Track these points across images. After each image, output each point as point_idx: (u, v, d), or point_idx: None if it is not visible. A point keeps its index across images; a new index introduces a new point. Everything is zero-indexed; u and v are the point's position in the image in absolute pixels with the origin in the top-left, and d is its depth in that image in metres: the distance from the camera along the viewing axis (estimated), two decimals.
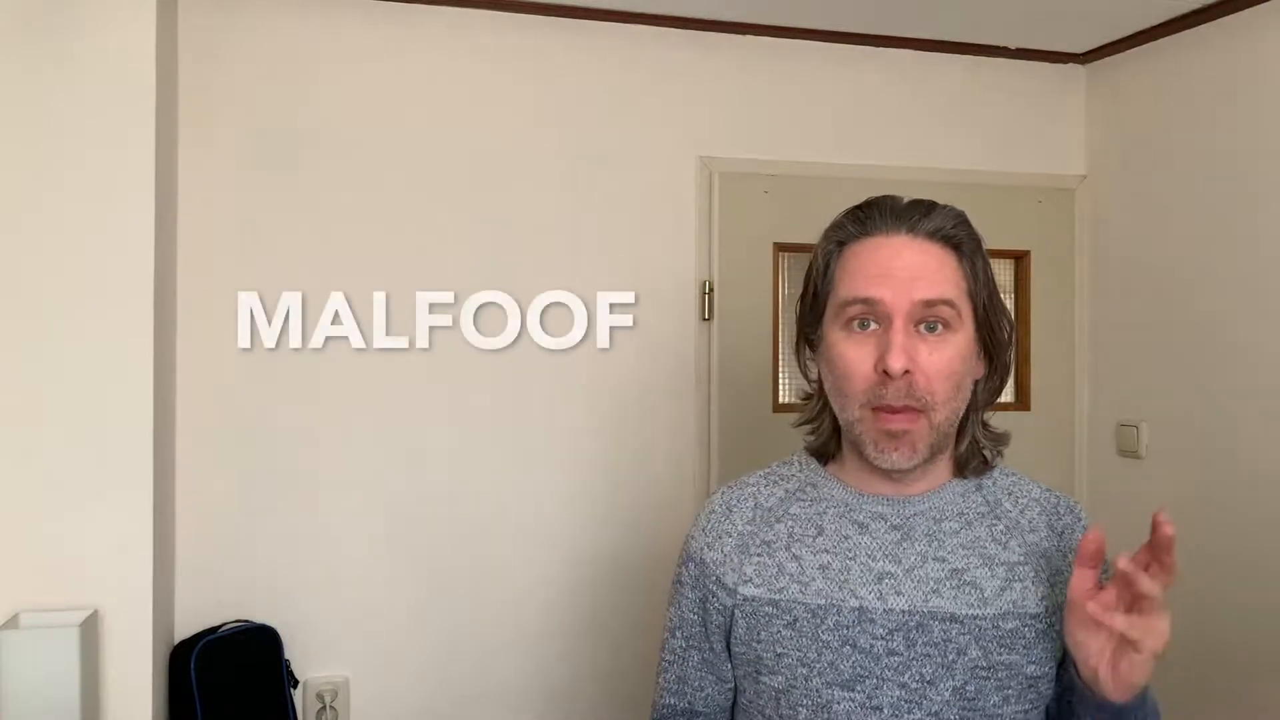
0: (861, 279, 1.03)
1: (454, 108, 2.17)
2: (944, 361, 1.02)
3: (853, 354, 1.03)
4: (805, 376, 1.16)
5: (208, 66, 2.03)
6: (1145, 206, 2.37)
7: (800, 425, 1.17)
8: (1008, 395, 2.49)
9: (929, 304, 1.01)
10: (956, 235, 1.05)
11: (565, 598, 2.24)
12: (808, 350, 1.14)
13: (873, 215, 1.06)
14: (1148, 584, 0.93)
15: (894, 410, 1.01)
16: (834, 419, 1.11)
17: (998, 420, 1.15)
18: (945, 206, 1.06)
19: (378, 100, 2.13)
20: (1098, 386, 2.51)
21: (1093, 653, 0.96)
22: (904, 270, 1.02)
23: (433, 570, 2.16)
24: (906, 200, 1.07)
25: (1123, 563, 0.93)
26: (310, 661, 2.09)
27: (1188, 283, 2.24)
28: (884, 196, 1.08)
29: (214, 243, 2.04)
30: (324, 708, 2.08)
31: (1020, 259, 2.53)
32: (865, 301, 1.02)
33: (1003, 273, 2.53)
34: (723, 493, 1.18)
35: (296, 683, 2.06)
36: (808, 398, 1.17)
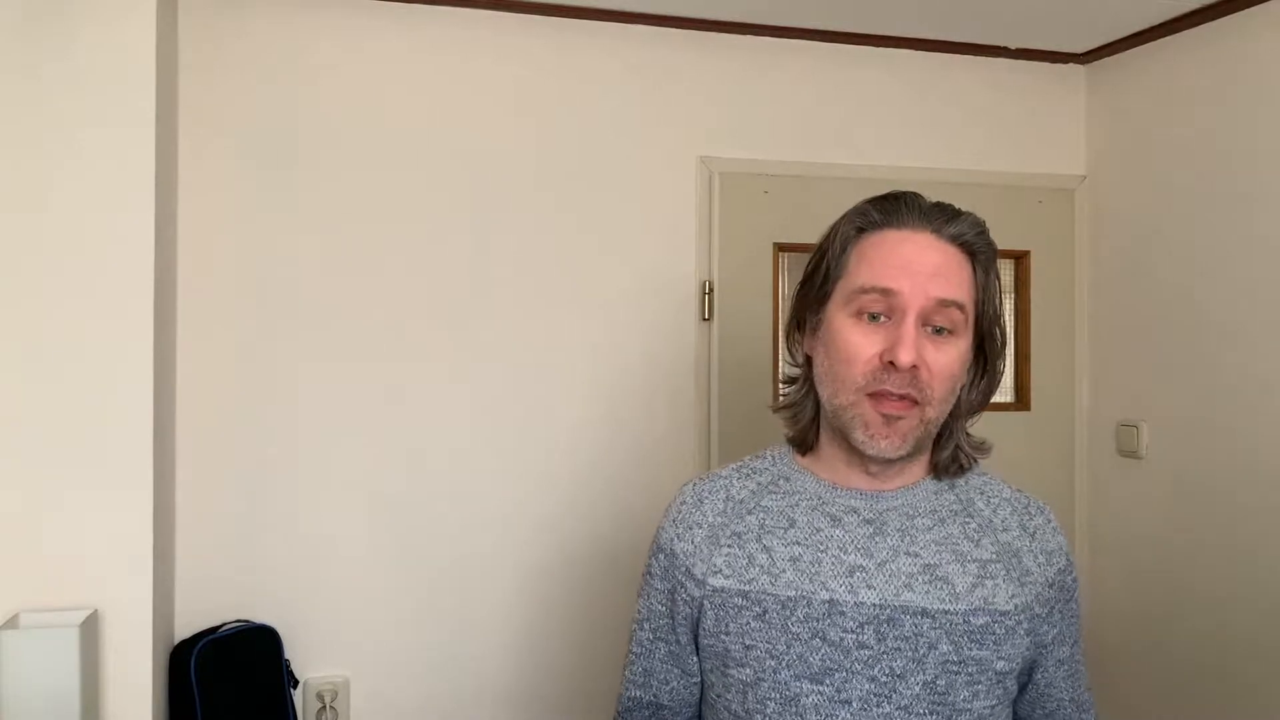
0: (882, 268, 1.03)
1: (454, 107, 2.17)
2: (947, 362, 1.03)
3: (859, 340, 1.03)
4: (792, 358, 1.16)
5: (208, 66, 2.03)
6: (1145, 206, 2.37)
7: (779, 410, 1.16)
8: (1008, 395, 2.50)
9: (944, 303, 1.02)
10: (976, 244, 1.06)
11: (566, 598, 2.24)
12: (796, 334, 1.13)
13: (899, 209, 1.06)
14: None
15: (893, 397, 1.01)
16: (815, 406, 1.11)
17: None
18: (969, 214, 1.07)
19: (378, 100, 2.13)
20: (1098, 386, 2.51)
21: None
22: (926, 267, 1.02)
23: (433, 570, 2.16)
24: (932, 200, 1.08)
25: None
26: (310, 661, 2.09)
27: (1188, 283, 2.24)
28: (909, 192, 1.09)
29: (214, 243, 2.04)
30: (324, 708, 2.08)
31: (1020, 259, 2.53)
32: (884, 291, 1.02)
33: (1003, 273, 2.51)
34: (694, 484, 1.18)
35: (296, 683, 2.06)
36: (789, 382, 1.16)
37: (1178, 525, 2.24)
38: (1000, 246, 2.63)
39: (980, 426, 1.18)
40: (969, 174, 2.46)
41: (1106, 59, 2.48)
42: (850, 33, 2.34)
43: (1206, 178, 2.20)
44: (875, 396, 1.02)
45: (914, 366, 1.00)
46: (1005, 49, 2.45)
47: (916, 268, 1.02)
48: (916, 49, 2.42)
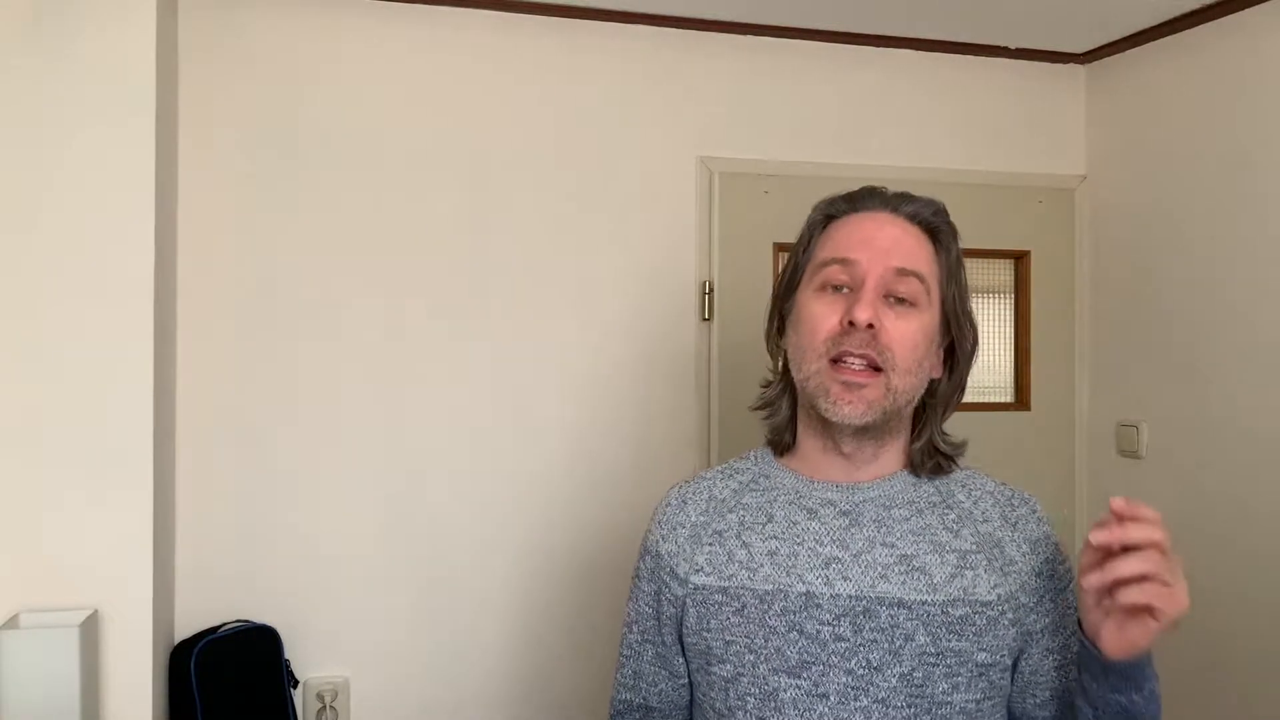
0: (843, 244, 1.09)
1: (454, 108, 2.17)
2: (908, 330, 1.05)
3: (823, 310, 1.07)
4: (771, 355, 1.20)
5: (208, 66, 2.03)
6: (1145, 206, 2.37)
7: (757, 409, 1.19)
8: (1008, 395, 2.50)
9: (902, 272, 1.06)
10: (935, 222, 1.11)
11: (565, 597, 2.24)
12: (777, 335, 1.17)
13: (863, 195, 1.13)
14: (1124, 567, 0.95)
15: (854, 356, 1.04)
16: (792, 403, 1.15)
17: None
18: (929, 198, 1.13)
19: (378, 100, 2.13)
20: (1098, 386, 2.51)
21: (1095, 608, 0.97)
22: (884, 240, 1.07)
23: (432, 570, 2.16)
24: (895, 190, 1.14)
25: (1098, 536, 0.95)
26: (310, 661, 2.09)
27: (1188, 282, 2.24)
28: (876, 185, 1.15)
29: (214, 243, 2.04)
30: (324, 708, 2.08)
31: (1020, 259, 2.53)
32: (843, 261, 1.07)
33: (1003, 273, 2.53)
34: (679, 487, 1.21)
35: (296, 683, 2.06)
36: (767, 384, 1.20)
37: (1177, 525, 2.23)
38: (1000, 246, 2.65)
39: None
40: (969, 174, 2.45)
41: (1106, 59, 2.48)
42: (850, 33, 2.34)
43: (1206, 178, 2.19)
44: (837, 362, 1.04)
45: (871, 326, 1.03)
46: (1005, 49, 2.45)
47: (876, 241, 1.07)
48: (916, 49, 2.42)
